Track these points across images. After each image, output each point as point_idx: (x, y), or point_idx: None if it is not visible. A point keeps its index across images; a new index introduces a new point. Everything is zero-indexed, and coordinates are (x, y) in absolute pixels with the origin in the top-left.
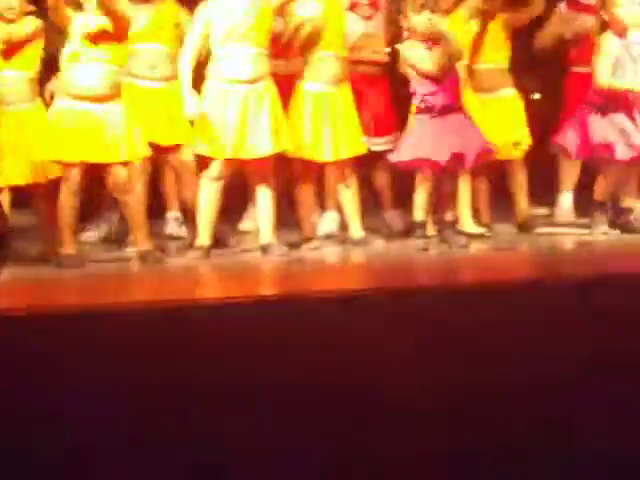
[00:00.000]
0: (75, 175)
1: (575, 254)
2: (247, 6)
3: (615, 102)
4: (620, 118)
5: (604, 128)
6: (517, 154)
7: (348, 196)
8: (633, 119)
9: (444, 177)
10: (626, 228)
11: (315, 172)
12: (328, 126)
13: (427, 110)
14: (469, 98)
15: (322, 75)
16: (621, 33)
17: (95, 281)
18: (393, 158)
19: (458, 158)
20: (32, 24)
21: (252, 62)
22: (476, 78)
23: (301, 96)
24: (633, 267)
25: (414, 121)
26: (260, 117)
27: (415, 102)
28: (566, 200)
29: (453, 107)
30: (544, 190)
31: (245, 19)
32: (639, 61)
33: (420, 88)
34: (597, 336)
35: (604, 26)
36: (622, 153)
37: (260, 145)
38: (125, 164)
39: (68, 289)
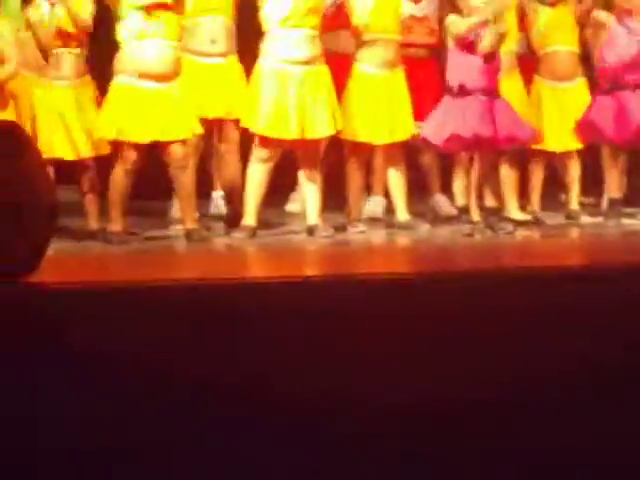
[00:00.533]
0: (133, 154)
1: (623, 243)
2: None
3: None
4: None
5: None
6: (576, 145)
7: (396, 179)
8: None
9: (483, 161)
10: None
11: (365, 155)
12: (381, 109)
13: (462, 89)
14: (537, 85)
15: (377, 58)
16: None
17: (141, 258)
18: (424, 133)
19: (489, 140)
20: (85, 5)
21: (308, 43)
22: (549, 63)
23: (356, 78)
24: None
25: (445, 101)
26: (317, 98)
27: (449, 81)
28: None
29: (490, 90)
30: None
31: (302, 2)
32: None
33: (456, 67)
34: None
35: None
36: None
37: (318, 126)
38: (183, 141)
39: (115, 266)
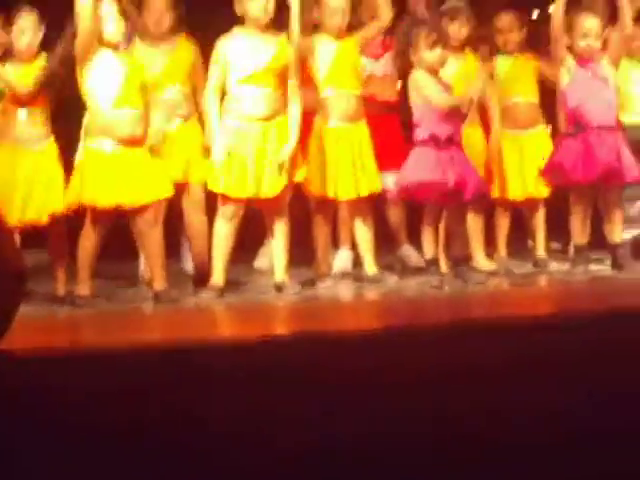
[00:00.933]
0: (104, 218)
1: (591, 289)
2: (265, 48)
3: None
4: None
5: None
6: (542, 192)
7: (363, 233)
8: None
9: (451, 211)
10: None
11: (331, 209)
12: (345, 163)
13: (430, 141)
14: (498, 135)
15: (339, 112)
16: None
17: (109, 321)
18: (396, 184)
19: (458, 190)
20: (44, 64)
21: (268, 101)
22: (509, 114)
23: (318, 133)
24: None
25: (417, 151)
26: (275, 155)
27: (419, 133)
28: None
29: (455, 140)
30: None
31: (263, 61)
32: None
33: (426, 119)
34: (614, 373)
35: None
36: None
37: (274, 183)
38: (152, 204)
39: (81, 329)
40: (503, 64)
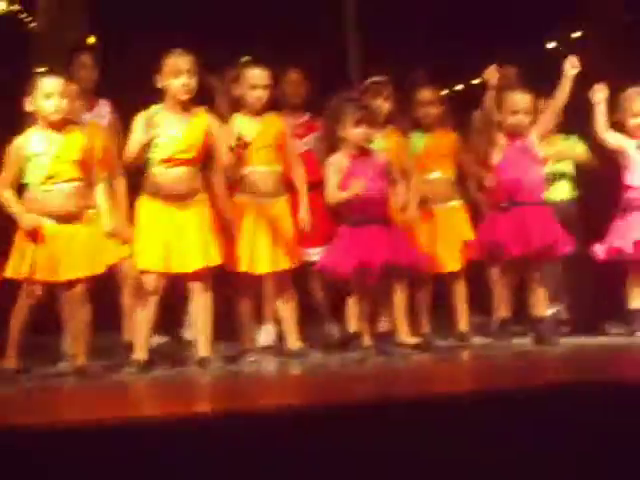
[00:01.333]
0: (37, 291)
1: (515, 364)
2: (184, 128)
3: None
4: None
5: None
6: (459, 266)
7: (286, 308)
8: None
9: (377, 287)
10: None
11: (254, 284)
12: (265, 238)
13: (355, 220)
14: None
15: (258, 188)
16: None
17: (27, 399)
18: (321, 264)
19: (387, 267)
20: None
21: (186, 179)
22: (425, 188)
23: (238, 209)
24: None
25: (343, 229)
26: (191, 232)
27: (344, 211)
28: None
29: (382, 219)
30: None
31: (181, 140)
32: None
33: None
34: (541, 448)
35: None
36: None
37: (190, 260)
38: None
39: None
40: (420, 139)
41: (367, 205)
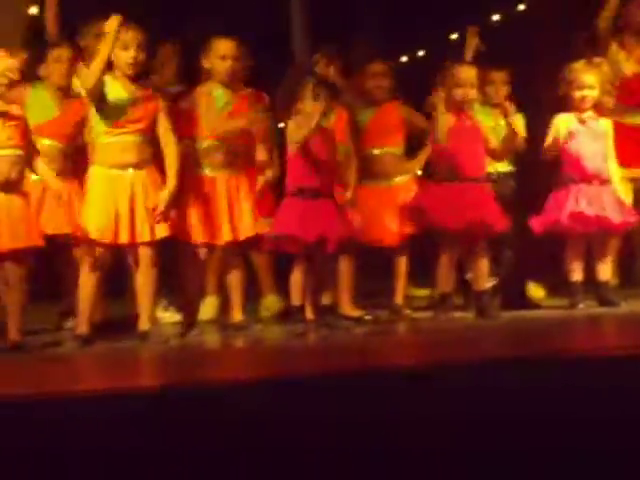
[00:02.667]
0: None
1: (456, 337)
2: (131, 96)
3: None
4: None
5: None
6: (401, 241)
7: (235, 280)
8: None
9: (319, 259)
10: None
11: (201, 256)
12: (219, 209)
13: (298, 192)
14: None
15: (212, 160)
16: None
17: None
18: (275, 234)
19: (321, 242)
20: None
21: (136, 149)
22: (370, 164)
23: (191, 180)
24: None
25: (285, 203)
26: (143, 203)
27: (288, 184)
28: None
29: (324, 192)
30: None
31: (130, 109)
32: None
33: (294, 170)
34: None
35: None
36: None
37: (142, 231)
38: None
39: None
40: (367, 113)
41: (318, 178)
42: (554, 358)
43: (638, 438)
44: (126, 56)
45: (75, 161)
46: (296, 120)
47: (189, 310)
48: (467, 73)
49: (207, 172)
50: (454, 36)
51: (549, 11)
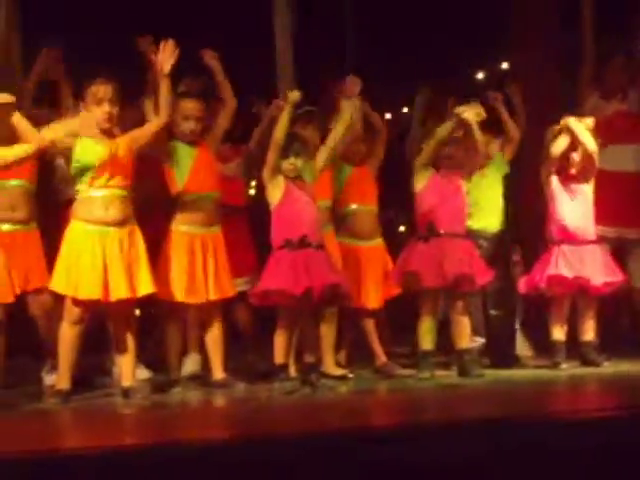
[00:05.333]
0: None
1: (435, 398)
2: (108, 152)
3: None
4: None
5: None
6: (374, 304)
7: (213, 338)
8: None
9: (304, 317)
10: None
11: (182, 314)
12: (198, 268)
13: (285, 245)
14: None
15: (193, 217)
16: None
17: None
18: (251, 290)
19: (310, 293)
20: None
21: (118, 205)
22: (348, 222)
23: (170, 237)
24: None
25: (273, 257)
26: (121, 260)
27: (274, 237)
28: None
29: (311, 243)
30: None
31: (109, 164)
32: None
33: (279, 222)
34: None
35: None
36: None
37: (119, 288)
38: None
39: None
40: (346, 170)
41: (304, 229)
42: (531, 420)
43: None
44: (100, 111)
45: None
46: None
47: (171, 367)
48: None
49: (185, 229)
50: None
51: (532, 67)
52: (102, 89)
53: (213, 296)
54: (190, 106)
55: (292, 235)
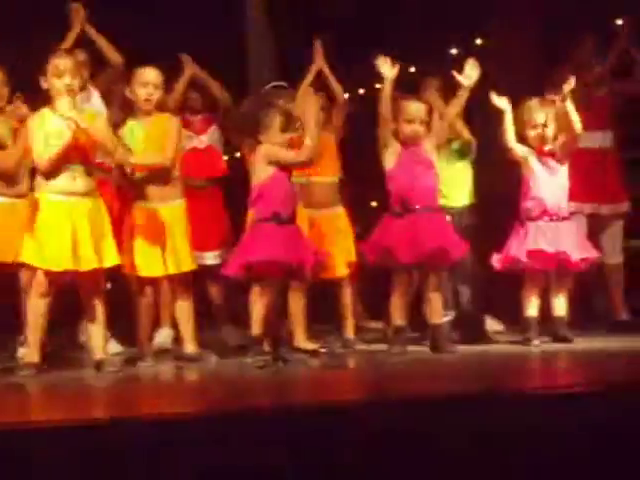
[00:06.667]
0: None
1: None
2: (65, 127)
3: None
4: None
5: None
6: (343, 272)
7: (182, 311)
8: None
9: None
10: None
11: (151, 287)
12: (160, 241)
13: (272, 218)
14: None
15: (153, 191)
16: None
17: None
18: (235, 261)
19: (299, 268)
20: None
21: (81, 177)
22: (308, 192)
23: (133, 212)
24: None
25: (258, 228)
26: (87, 232)
27: (261, 209)
28: None
29: (292, 218)
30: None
31: (68, 139)
32: None
33: (267, 195)
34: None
35: None
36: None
37: (87, 259)
38: None
39: None
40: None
41: (292, 205)
42: (503, 395)
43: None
44: (61, 83)
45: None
46: (267, 149)
47: (141, 341)
48: (418, 108)
49: (146, 203)
50: (412, 69)
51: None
52: (62, 62)
53: (178, 269)
54: (148, 73)
55: (283, 210)
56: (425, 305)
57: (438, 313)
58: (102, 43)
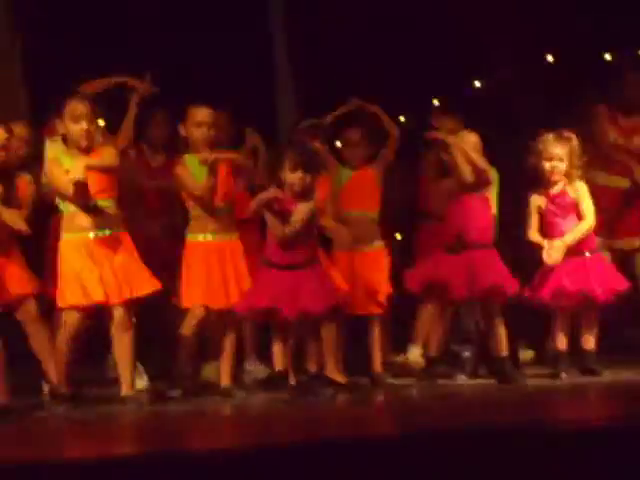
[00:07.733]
0: None
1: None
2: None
3: None
4: None
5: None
6: (376, 309)
7: (226, 345)
8: None
9: (304, 327)
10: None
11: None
12: (217, 274)
13: (272, 265)
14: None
15: (209, 227)
16: None
17: None
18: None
19: (305, 309)
20: None
21: (103, 212)
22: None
23: (190, 247)
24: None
25: (261, 273)
26: (113, 265)
27: (265, 255)
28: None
29: (304, 263)
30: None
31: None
32: None
33: (268, 244)
34: None
35: None
36: None
37: (114, 292)
38: None
39: None
40: (345, 176)
41: (293, 249)
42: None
43: None
44: (77, 128)
45: None
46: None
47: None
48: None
49: (201, 238)
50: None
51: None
52: (80, 107)
53: (229, 302)
54: (203, 113)
55: (277, 259)
56: (489, 339)
57: (504, 345)
58: (130, 118)
